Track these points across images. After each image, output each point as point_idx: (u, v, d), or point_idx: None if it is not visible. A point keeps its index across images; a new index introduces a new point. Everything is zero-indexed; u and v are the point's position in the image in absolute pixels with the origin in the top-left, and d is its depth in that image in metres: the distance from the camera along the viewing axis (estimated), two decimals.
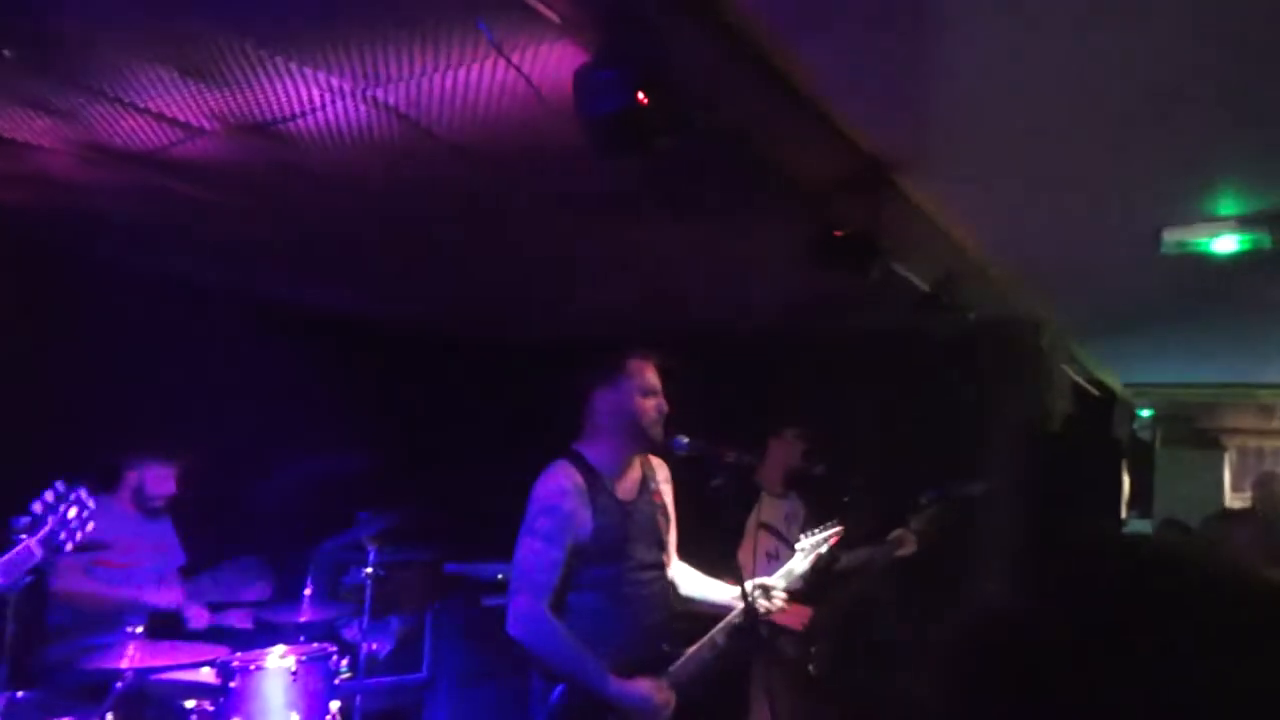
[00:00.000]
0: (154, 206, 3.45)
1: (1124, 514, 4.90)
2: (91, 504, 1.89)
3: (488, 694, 5.07)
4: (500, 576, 5.24)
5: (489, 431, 5.80)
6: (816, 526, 3.30)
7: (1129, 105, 2.41)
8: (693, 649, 2.89)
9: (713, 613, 3.05)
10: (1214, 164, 2.72)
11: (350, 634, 4.73)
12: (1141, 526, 7.55)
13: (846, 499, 4.00)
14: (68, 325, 4.33)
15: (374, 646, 4.73)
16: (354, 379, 5.49)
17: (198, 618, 4.15)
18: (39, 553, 1.83)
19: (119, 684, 3.24)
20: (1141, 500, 7.07)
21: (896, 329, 4.22)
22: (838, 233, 2.99)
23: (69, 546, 1.86)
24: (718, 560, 3.26)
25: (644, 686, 2.72)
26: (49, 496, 1.87)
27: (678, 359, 3.03)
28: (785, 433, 4.32)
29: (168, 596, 4.06)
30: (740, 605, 2.89)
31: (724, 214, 3.34)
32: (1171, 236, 3.14)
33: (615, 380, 2.90)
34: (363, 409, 5.48)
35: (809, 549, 3.17)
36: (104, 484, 4.12)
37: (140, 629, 3.42)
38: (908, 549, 4.28)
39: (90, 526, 1.87)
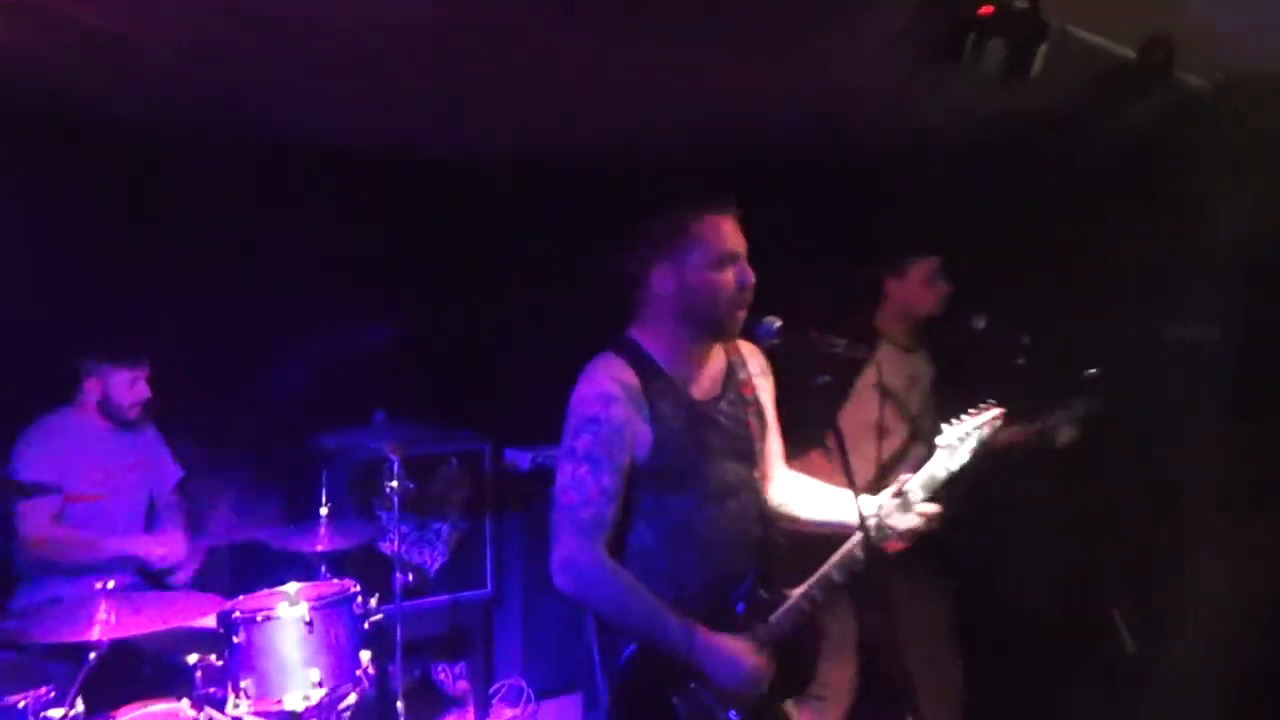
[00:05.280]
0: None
1: None
2: None
3: (568, 609, 5.09)
4: None
5: (546, 281, 5.60)
6: (959, 406, 3.00)
7: None
8: (799, 591, 2.75)
9: (834, 534, 2.89)
10: None
11: (390, 547, 4.78)
12: None
13: (1021, 361, 3.67)
14: None
15: (411, 569, 4.79)
16: (367, 225, 5.33)
17: (185, 571, 4.26)
18: None
19: (93, 655, 3.30)
20: None
21: (1077, 116, 3.75)
22: (984, 10, 2.56)
23: None
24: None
25: (738, 646, 2.61)
26: None
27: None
28: (911, 264, 3.99)
29: (162, 547, 4.14)
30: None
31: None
32: None
33: (676, 249, 2.70)
34: (382, 265, 5.36)
35: (956, 443, 2.88)
36: (62, 394, 4.16)
37: (111, 584, 3.46)
38: (1067, 437, 3.98)
39: None
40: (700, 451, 2.71)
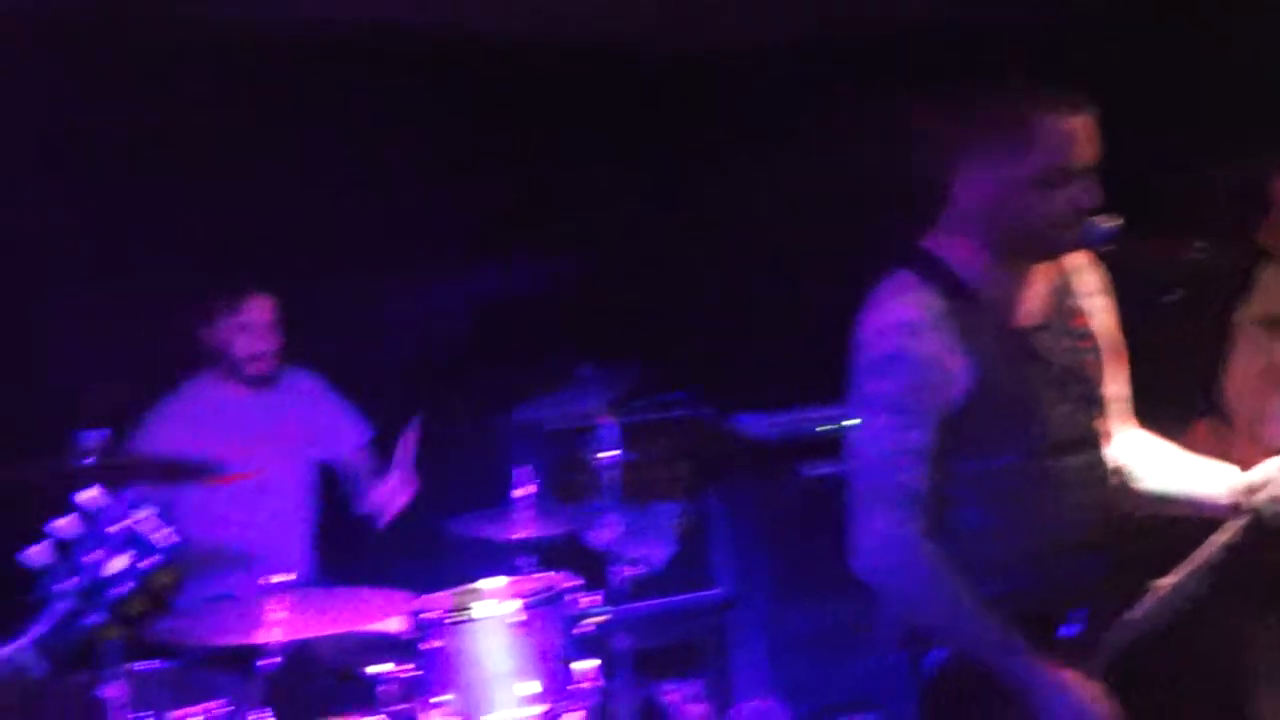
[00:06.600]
0: None
1: None
2: (154, 526, 1.90)
3: (824, 611, 5.15)
4: (826, 429, 5.23)
5: (794, 192, 5.58)
6: None
7: None
8: (1165, 583, 2.71)
9: (1200, 515, 2.85)
10: None
11: (601, 539, 4.90)
12: None
13: None
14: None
15: (630, 564, 4.90)
16: (553, 129, 5.44)
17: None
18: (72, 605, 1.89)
19: (268, 660, 3.55)
20: None
21: None
22: None
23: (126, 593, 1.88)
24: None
25: (1080, 686, 2.57)
26: (69, 526, 1.88)
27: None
28: None
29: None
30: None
31: None
32: None
33: (997, 152, 2.64)
34: (573, 181, 5.45)
35: None
36: (193, 358, 4.47)
37: (290, 576, 3.70)
38: None
39: (157, 561, 1.89)
40: (1032, 393, 2.68)
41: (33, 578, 1.89)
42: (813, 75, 5.29)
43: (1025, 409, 2.67)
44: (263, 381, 4.50)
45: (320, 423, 4.67)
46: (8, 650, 1.87)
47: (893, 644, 2.76)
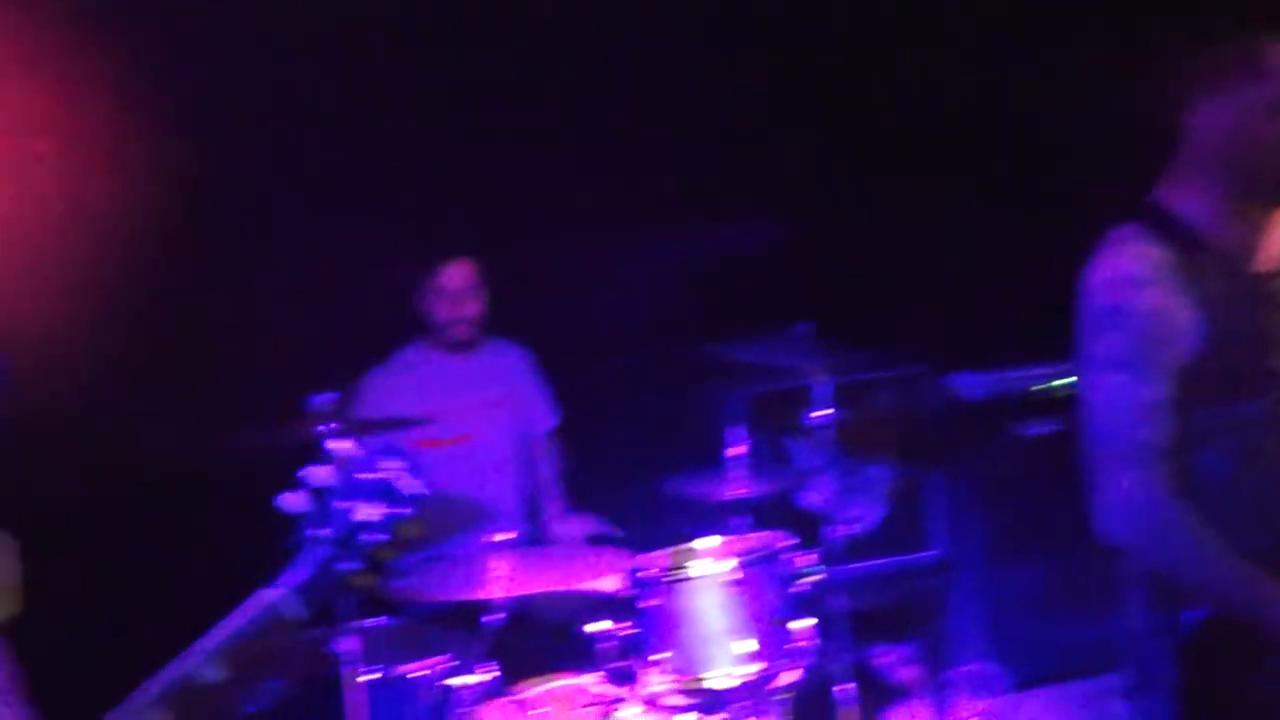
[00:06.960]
0: None
1: None
2: (403, 477, 1.98)
3: (1041, 573, 5.10)
4: (1039, 388, 5.16)
5: (1010, 145, 5.48)
6: None
7: None
8: None
9: None
10: None
11: (814, 499, 4.90)
12: None
13: None
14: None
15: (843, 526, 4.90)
16: (764, 94, 5.44)
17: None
18: (326, 553, 1.97)
19: (491, 616, 3.67)
20: None
21: None
22: None
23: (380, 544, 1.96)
24: None
25: None
26: (324, 475, 1.96)
27: None
28: None
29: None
30: None
31: None
32: None
33: (1232, 85, 2.60)
34: (785, 144, 5.46)
35: None
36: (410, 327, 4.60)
37: (511, 534, 3.82)
38: None
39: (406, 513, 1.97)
40: (1272, 340, 2.61)
41: (289, 525, 1.98)
42: (1036, 24, 5.18)
43: (1265, 357, 2.61)
44: (465, 347, 4.61)
45: (517, 395, 4.76)
46: (272, 594, 1.95)
47: (1141, 604, 2.72)
